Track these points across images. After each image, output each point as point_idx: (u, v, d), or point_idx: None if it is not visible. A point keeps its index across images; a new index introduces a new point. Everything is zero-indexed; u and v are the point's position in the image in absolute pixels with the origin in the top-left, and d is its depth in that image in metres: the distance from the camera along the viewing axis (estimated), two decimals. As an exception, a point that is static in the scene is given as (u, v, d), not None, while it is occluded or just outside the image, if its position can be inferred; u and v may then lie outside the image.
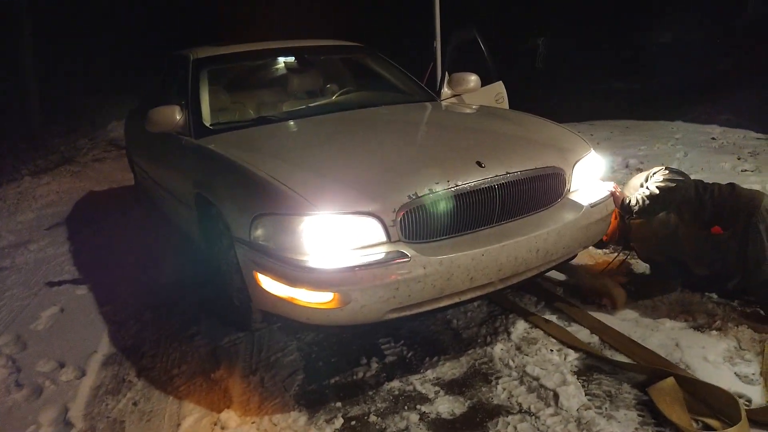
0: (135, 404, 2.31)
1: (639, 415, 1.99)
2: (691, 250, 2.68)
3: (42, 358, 2.72)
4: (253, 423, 2.11)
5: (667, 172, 2.73)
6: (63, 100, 12.55)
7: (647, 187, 2.70)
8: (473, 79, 3.70)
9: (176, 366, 2.55)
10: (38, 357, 2.75)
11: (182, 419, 2.17)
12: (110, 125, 11.29)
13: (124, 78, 13.34)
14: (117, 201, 6.02)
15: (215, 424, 2.12)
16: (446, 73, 4.18)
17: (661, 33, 12.52)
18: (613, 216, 2.82)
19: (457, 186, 2.24)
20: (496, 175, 2.33)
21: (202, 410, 2.21)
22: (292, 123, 3.21)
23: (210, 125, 3.16)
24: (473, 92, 3.81)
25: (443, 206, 2.22)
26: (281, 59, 4.04)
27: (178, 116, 3.09)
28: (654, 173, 2.77)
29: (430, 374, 2.32)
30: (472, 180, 2.28)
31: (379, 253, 2.10)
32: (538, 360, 2.33)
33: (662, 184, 2.66)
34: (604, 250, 3.37)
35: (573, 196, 2.61)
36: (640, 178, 2.85)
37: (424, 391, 2.21)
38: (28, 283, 3.79)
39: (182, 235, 3.68)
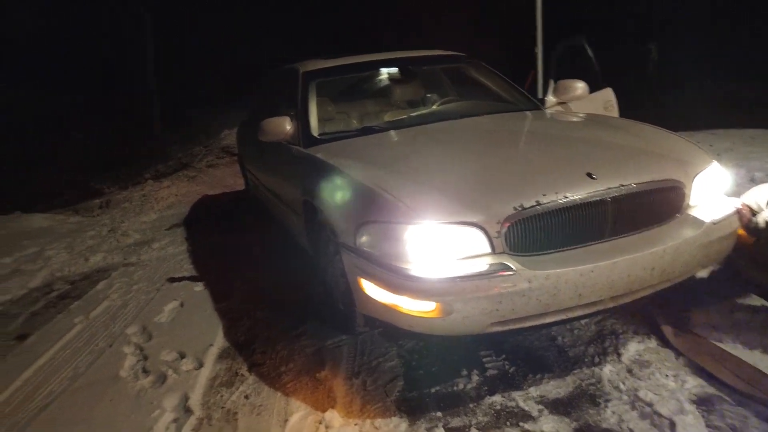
0: (246, 397, 2.46)
1: (770, 454, 1.81)
2: None
3: (165, 348, 2.97)
4: (356, 425, 2.16)
5: None
6: (180, 111, 13.70)
7: None
8: (581, 86, 3.57)
9: (284, 363, 2.68)
10: (162, 347, 3.00)
11: (289, 415, 2.27)
12: (222, 133, 12.14)
13: (234, 91, 14.37)
14: (229, 204, 6.46)
15: (320, 423, 2.20)
16: (552, 80, 4.06)
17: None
18: None
19: (566, 198, 2.17)
20: (609, 188, 2.23)
21: (307, 408, 2.30)
22: (395, 133, 3.27)
23: (318, 135, 3.31)
24: (580, 99, 3.68)
25: (551, 219, 2.17)
26: (385, 70, 4.14)
27: (288, 127, 3.28)
28: None
29: (533, 391, 2.25)
30: (582, 192, 2.20)
31: (482, 265, 2.09)
32: (652, 384, 2.19)
33: None
34: None
35: (693, 212, 2.44)
36: (757, 194, 2.60)
37: (527, 408, 2.16)
38: (152, 278, 4.16)
39: (290, 238, 3.87)
